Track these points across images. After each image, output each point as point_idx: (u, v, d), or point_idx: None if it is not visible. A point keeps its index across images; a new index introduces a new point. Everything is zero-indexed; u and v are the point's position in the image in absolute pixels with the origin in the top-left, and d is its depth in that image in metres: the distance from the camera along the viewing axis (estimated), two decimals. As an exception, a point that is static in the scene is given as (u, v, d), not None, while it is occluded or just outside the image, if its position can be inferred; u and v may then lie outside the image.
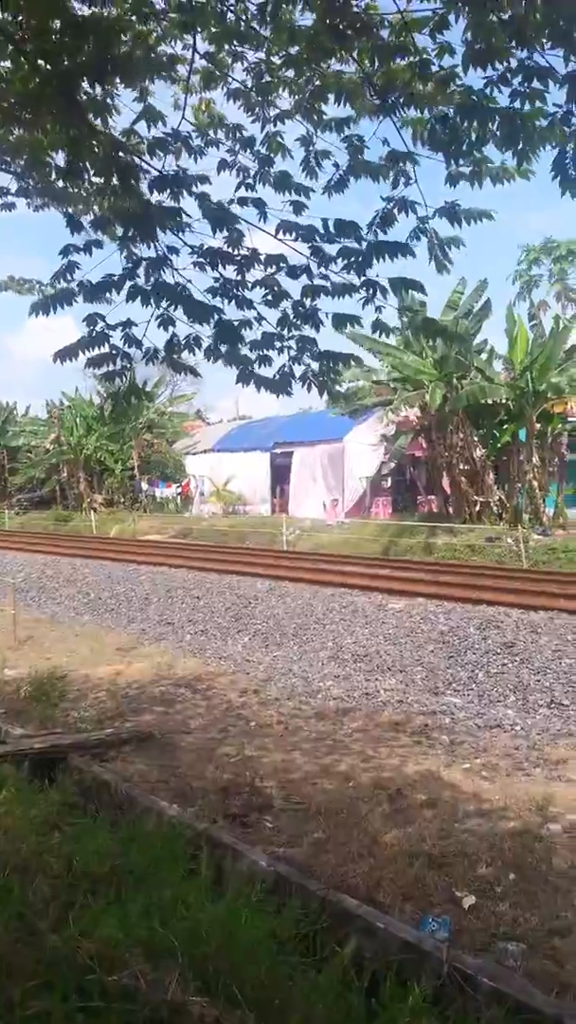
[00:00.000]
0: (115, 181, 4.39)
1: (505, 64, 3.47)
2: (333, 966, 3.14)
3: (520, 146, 3.70)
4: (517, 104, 3.55)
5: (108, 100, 4.57)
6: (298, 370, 5.20)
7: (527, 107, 3.53)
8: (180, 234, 4.63)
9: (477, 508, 22.31)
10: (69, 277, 4.71)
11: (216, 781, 5.31)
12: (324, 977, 3.05)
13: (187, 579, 15.04)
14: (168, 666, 8.79)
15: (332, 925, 3.52)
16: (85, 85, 4.28)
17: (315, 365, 5.10)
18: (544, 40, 3.31)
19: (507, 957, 3.32)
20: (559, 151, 3.58)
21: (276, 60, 4.51)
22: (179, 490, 36.38)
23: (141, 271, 4.62)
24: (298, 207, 4.68)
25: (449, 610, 10.97)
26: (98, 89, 4.38)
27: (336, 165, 4.54)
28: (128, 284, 4.66)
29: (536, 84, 3.42)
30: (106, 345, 4.94)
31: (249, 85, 4.70)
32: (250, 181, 4.85)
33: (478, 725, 6.61)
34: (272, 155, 4.87)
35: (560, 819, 4.66)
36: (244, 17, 4.32)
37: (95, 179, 4.58)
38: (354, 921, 3.52)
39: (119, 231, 4.70)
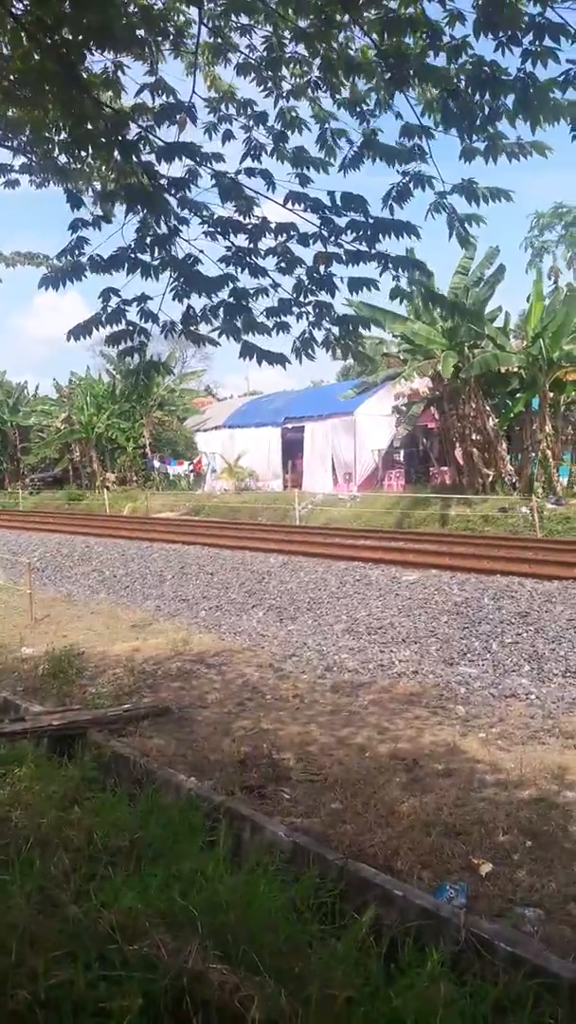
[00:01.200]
0: (117, 156, 4.34)
1: (516, 25, 3.38)
2: (351, 933, 3.17)
3: (534, 115, 3.63)
4: (529, 65, 3.45)
5: (113, 74, 4.51)
6: (319, 335, 5.18)
7: (539, 68, 3.44)
8: (188, 206, 4.59)
9: (490, 479, 22.20)
10: (79, 252, 4.68)
11: (233, 754, 5.36)
12: (343, 944, 3.08)
13: (200, 555, 15.08)
14: (183, 642, 8.84)
15: (350, 894, 3.56)
16: (88, 60, 4.22)
17: (335, 330, 5.07)
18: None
19: (524, 923, 3.35)
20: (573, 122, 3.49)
21: (285, 34, 4.42)
22: (191, 467, 36.40)
23: (152, 243, 4.58)
24: (304, 179, 4.62)
25: (463, 581, 10.94)
26: (101, 63, 4.32)
27: (350, 142, 4.48)
28: (142, 256, 4.63)
29: (548, 42, 3.32)
30: (122, 321, 4.92)
31: (258, 60, 4.61)
32: (255, 152, 4.79)
33: (493, 695, 6.62)
34: (287, 131, 4.80)
35: (575, 787, 4.68)
36: None
37: (98, 154, 4.53)
38: (372, 889, 3.55)
39: (124, 206, 4.65)
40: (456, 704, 6.42)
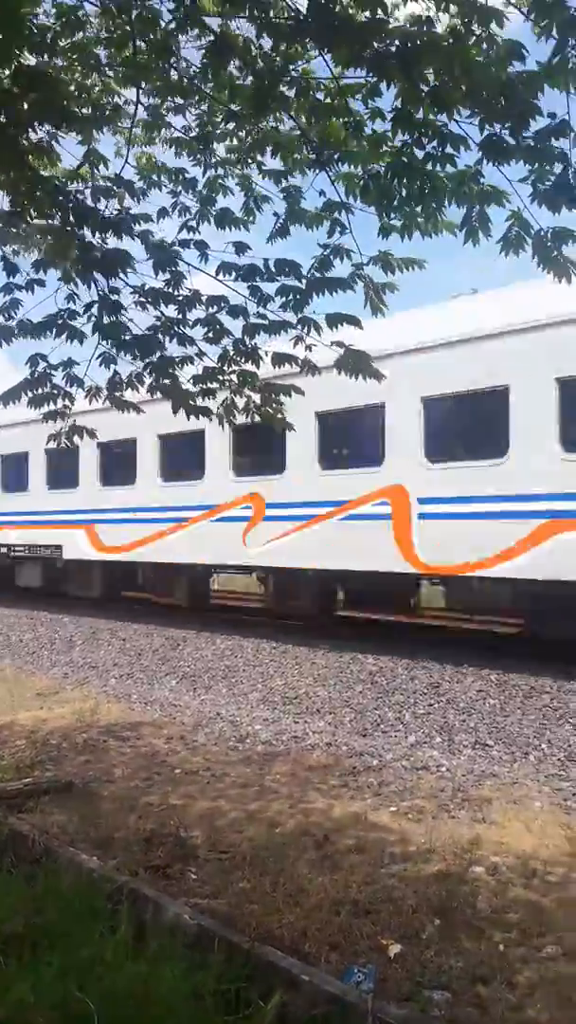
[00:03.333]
0: (57, 222, 4.41)
1: (426, 130, 3.67)
2: (255, 1022, 3.05)
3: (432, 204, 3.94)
4: (430, 166, 3.78)
5: (52, 144, 4.61)
6: (240, 401, 5.28)
7: (439, 169, 3.74)
8: (122, 276, 4.66)
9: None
10: (9, 315, 4.69)
11: (139, 831, 5.17)
12: (247, 1035, 2.96)
13: (112, 620, 14.76)
14: (91, 712, 8.56)
15: (257, 979, 3.43)
16: (29, 132, 4.31)
17: (257, 397, 5.18)
18: (461, 108, 3.50)
19: (432, 1006, 3.29)
20: (467, 208, 3.83)
21: (216, 115, 4.63)
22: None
23: (82, 310, 4.64)
24: (240, 247, 4.78)
25: (378, 650, 11.01)
26: (41, 135, 4.43)
27: (276, 214, 4.69)
28: (71, 322, 4.67)
29: (448, 149, 3.66)
30: (48, 384, 4.91)
31: (190, 135, 4.81)
32: (192, 224, 4.94)
33: (405, 767, 6.62)
34: (214, 195, 4.99)
35: (483, 861, 4.68)
36: (186, 75, 4.43)
37: (37, 222, 4.60)
38: (279, 974, 3.43)
39: (59, 272, 4.72)
40: (369, 776, 6.39)
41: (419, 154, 3.74)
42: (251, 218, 4.99)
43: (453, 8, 3.22)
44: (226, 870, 4.63)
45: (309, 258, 4.51)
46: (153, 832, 5.12)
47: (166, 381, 4.96)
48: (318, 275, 4.51)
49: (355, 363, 4.82)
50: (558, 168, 3.46)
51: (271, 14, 3.63)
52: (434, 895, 4.24)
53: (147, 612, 15.35)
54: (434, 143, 3.62)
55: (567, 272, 3.69)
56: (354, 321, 4.73)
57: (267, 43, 3.82)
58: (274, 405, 5.33)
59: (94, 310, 4.61)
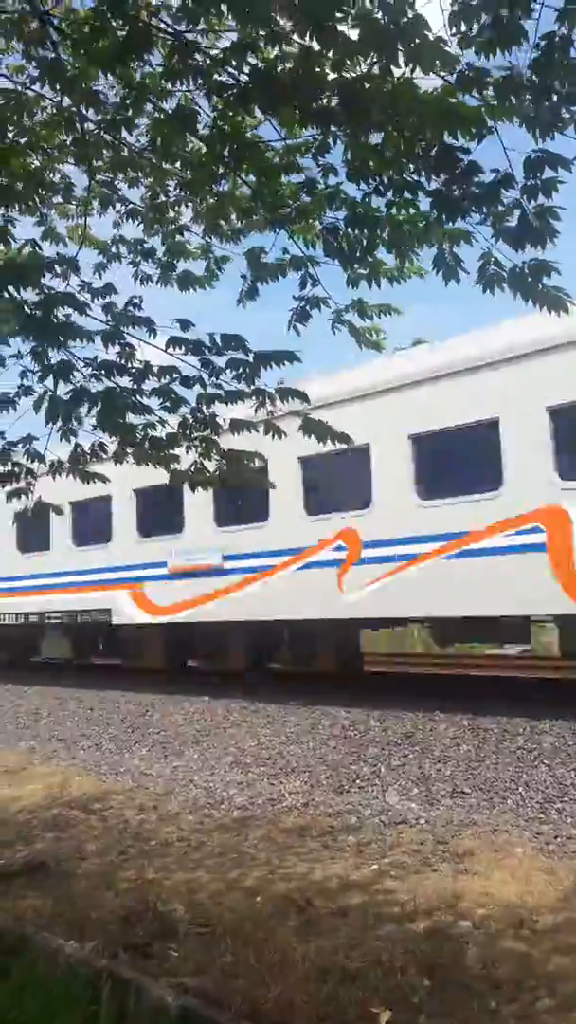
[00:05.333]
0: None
1: (378, 180, 3.72)
2: None
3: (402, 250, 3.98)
4: (394, 211, 3.81)
5: (2, 226, 4.69)
6: (211, 465, 5.31)
7: (403, 214, 3.80)
8: (69, 348, 4.70)
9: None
10: None
11: (116, 910, 5.00)
12: None
13: (79, 689, 14.45)
14: (61, 786, 8.32)
15: (245, 1059, 3.32)
16: None
17: (223, 463, 5.20)
18: (406, 161, 3.56)
19: (427, 1072, 3.21)
20: (438, 249, 3.81)
21: (170, 184, 4.73)
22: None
23: (37, 384, 4.66)
24: (184, 324, 4.86)
25: (349, 703, 10.94)
26: None
27: (243, 276, 4.75)
28: (30, 397, 4.68)
29: (407, 195, 3.66)
30: (8, 463, 4.90)
31: (145, 206, 4.92)
32: (137, 301, 5.01)
33: (383, 822, 6.54)
34: (175, 260, 5.07)
35: (470, 915, 4.62)
36: (135, 151, 4.55)
37: None
38: (268, 1052, 3.33)
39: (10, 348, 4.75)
40: (348, 835, 6.29)
41: (380, 201, 3.78)
42: (215, 278, 5.08)
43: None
44: (208, 944, 4.50)
45: (287, 311, 4.56)
46: (131, 909, 4.96)
47: (129, 450, 4.98)
48: (296, 329, 4.54)
49: (316, 431, 4.89)
50: (516, 211, 3.42)
51: (215, 80, 3.69)
52: (422, 954, 4.16)
53: (114, 677, 15.06)
54: (390, 192, 3.65)
55: (558, 303, 3.53)
56: (300, 395, 4.83)
57: (214, 110, 3.91)
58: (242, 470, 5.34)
59: (48, 382, 4.63)
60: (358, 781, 7.78)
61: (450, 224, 3.57)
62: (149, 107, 4.23)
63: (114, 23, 3.52)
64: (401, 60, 3.03)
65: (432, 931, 4.44)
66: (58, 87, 4.05)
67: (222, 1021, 3.52)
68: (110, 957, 4.31)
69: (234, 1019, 3.53)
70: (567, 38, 2.97)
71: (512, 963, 4.04)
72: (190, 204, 4.87)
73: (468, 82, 3.20)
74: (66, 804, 7.65)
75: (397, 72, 3.15)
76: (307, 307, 4.53)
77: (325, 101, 3.41)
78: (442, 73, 3.18)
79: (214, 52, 3.64)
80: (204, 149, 4.18)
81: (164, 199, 4.89)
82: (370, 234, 3.96)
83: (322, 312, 4.57)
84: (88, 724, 11.76)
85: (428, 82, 3.27)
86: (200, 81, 3.73)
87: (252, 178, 4.31)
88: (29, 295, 4.46)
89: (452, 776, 7.58)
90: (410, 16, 2.93)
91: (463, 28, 3.05)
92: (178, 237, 5.05)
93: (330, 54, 3.17)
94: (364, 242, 4.02)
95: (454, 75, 3.20)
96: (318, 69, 3.30)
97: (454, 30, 3.09)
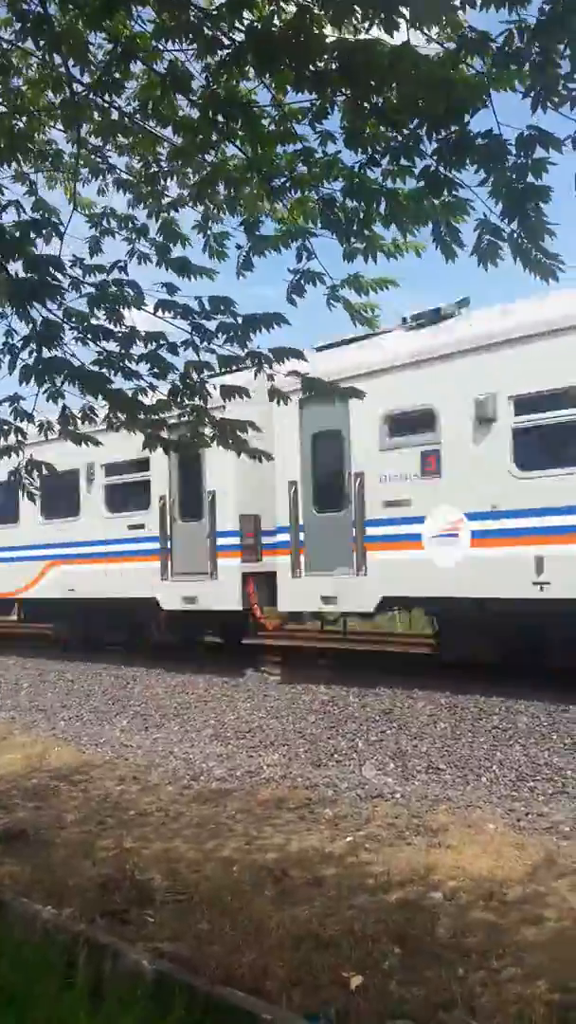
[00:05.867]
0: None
1: (375, 146, 3.60)
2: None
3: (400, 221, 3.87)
4: (390, 183, 3.68)
5: None
6: (209, 431, 5.23)
7: (400, 184, 3.67)
8: (59, 309, 4.61)
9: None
10: None
11: (94, 877, 5.06)
12: None
13: (60, 661, 14.47)
14: (41, 756, 8.38)
15: (218, 1022, 3.39)
16: None
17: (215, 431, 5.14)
18: (406, 119, 3.44)
19: (395, 1036, 3.30)
20: (434, 223, 3.67)
21: (161, 151, 4.62)
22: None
23: (24, 344, 4.58)
24: (171, 288, 4.77)
25: (329, 679, 11.04)
26: None
27: (238, 246, 4.64)
28: (18, 359, 4.60)
29: (404, 161, 3.52)
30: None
31: (137, 176, 4.80)
32: (122, 264, 4.91)
33: (359, 796, 6.64)
34: (170, 244, 4.95)
35: (441, 887, 4.72)
36: (126, 112, 4.43)
37: None
38: (240, 1016, 3.40)
39: None
40: (324, 807, 6.38)
41: (376, 172, 3.66)
42: (218, 260, 4.95)
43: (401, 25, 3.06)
44: (184, 911, 4.57)
45: (284, 284, 4.47)
46: (109, 877, 5.02)
47: (121, 416, 4.93)
48: (292, 302, 4.47)
49: (317, 389, 4.87)
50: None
51: (207, 37, 3.57)
52: (394, 923, 4.25)
53: (96, 651, 15.10)
54: (386, 159, 3.54)
55: (550, 271, 3.40)
56: (297, 354, 4.76)
57: (207, 71, 3.79)
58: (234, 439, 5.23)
59: (33, 344, 4.55)
60: (336, 755, 7.89)
61: (447, 194, 3.44)
62: (139, 68, 4.12)
63: None
64: (403, 23, 2.95)
65: (404, 902, 4.53)
66: (43, 43, 3.93)
67: (197, 985, 3.59)
68: (87, 922, 4.38)
69: (209, 983, 3.60)
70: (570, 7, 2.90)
71: (481, 933, 4.15)
72: (183, 175, 4.75)
73: (470, 45, 3.11)
74: (47, 774, 7.71)
75: (399, 37, 3.08)
76: (302, 281, 4.48)
77: (322, 64, 3.29)
78: (444, 35, 3.11)
79: (207, 7, 3.54)
80: (197, 114, 4.06)
81: (156, 169, 4.77)
82: (367, 206, 3.86)
83: (317, 288, 4.50)
84: (69, 696, 11.81)
85: (428, 51, 3.19)
86: (192, 39, 3.60)
87: (247, 147, 4.16)
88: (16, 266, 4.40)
89: (428, 752, 7.69)
90: None
91: None
92: (172, 213, 4.93)
93: (328, 13, 3.08)
94: (361, 214, 3.93)
95: (457, 37, 3.12)
96: (316, 30, 3.17)
97: None
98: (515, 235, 3.38)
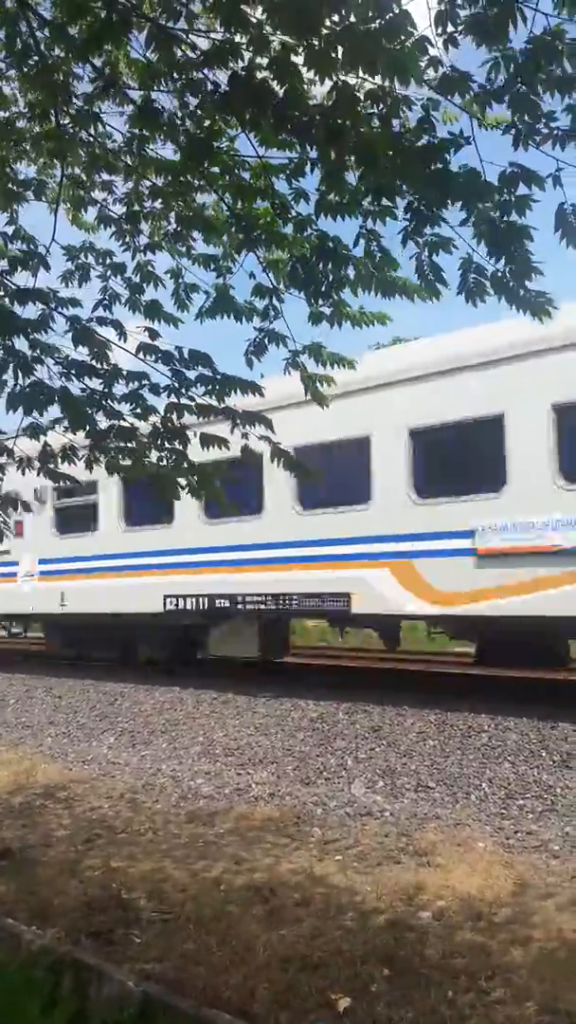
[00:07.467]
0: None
1: (353, 216, 3.66)
2: None
3: (376, 287, 3.90)
4: (370, 223, 3.68)
5: None
6: (181, 479, 5.19)
7: (373, 249, 3.73)
8: (40, 348, 4.60)
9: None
10: None
11: (80, 897, 5.01)
12: None
13: (47, 677, 14.37)
14: (27, 774, 8.30)
15: (205, 1045, 3.36)
16: None
17: (194, 479, 5.09)
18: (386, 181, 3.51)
19: (383, 1059, 3.26)
20: (416, 262, 3.64)
21: (143, 190, 4.64)
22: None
23: (9, 376, 4.56)
24: (152, 334, 4.77)
25: (318, 695, 10.99)
26: None
27: (207, 293, 4.65)
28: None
29: (385, 201, 3.54)
30: None
31: (118, 213, 4.82)
32: (107, 302, 4.91)
33: (348, 814, 6.61)
34: (144, 283, 4.95)
35: (430, 906, 4.70)
36: (110, 147, 4.47)
37: None
38: (227, 1039, 3.37)
39: None
40: (313, 826, 6.35)
41: (356, 221, 3.67)
42: (183, 311, 4.95)
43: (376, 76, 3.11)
44: (171, 932, 4.53)
45: (244, 340, 4.49)
46: (94, 897, 4.98)
47: (100, 456, 4.92)
48: (253, 360, 4.50)
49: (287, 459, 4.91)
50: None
51: (194, 79, 3.62)
52: (382, 944, 4.22)
53: (83, 666, 15.01)
54: (368, 199, 3.55)
55: (541, 308, 3.41)
56: (266, 421, 4.74)
57: (192, 114, 3.85)
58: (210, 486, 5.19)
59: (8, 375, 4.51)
60: (325, 773, 7.84)
61: (429, 231, 3.46)
62: (126, 104, 4.15)
63: (94, 3, 3.45)
64: (380, 71, 3.00)
65: (393, 923, 4.50)
66: (26, 70, 3.95)
67: (183, 1007, 3.56)
68: (72, 943, 4.33)
69: (195, 1005, 3.56)
70: (551, 43, 2.96)
71: (469, 954, 4.12)
72: (161, 218, 4.75)
73: (452, 85, 3.19)
74: (33, 792, 7.63)
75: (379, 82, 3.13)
76: (266, 340, 4.47)
77: (305, 117, 3.34)
78: (425, 76, 3.17)
79: (196, 53, 3.58)
80: (179, 156, 4.10)
81: (138, 208, 4.77)
82: (336, 270, 3.91)
83: (279, 348, 4.49)
84: (56, 712, 11.72)
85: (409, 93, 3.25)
86: (180, 78, 3.64)
87: (227, 195, 4.22)
88: None
89: (417, 770, 7.66)
90: (396, 11, 2.91)
91: (449, 29, 3.05)
92: (149, 255, 4.93)
93: (310, 69, 3.14)
94: (330, 276, 3.96)
95: (438, 76, 3.19)
96: (299, 85, 3.24)
97: (440, 30, 3.08)
98: (500, 274, 3.40)
